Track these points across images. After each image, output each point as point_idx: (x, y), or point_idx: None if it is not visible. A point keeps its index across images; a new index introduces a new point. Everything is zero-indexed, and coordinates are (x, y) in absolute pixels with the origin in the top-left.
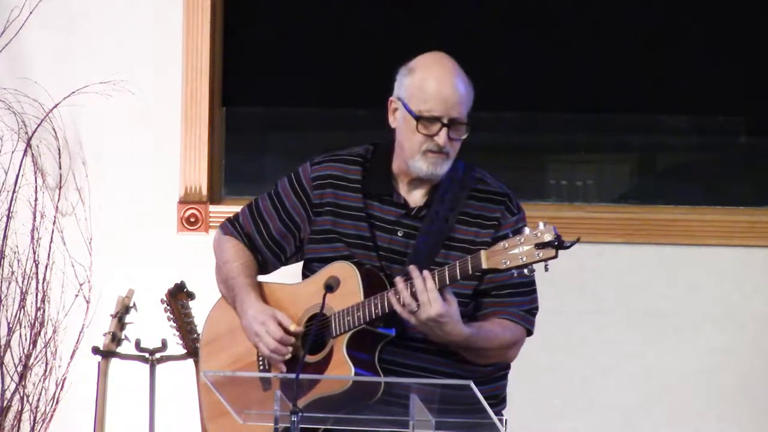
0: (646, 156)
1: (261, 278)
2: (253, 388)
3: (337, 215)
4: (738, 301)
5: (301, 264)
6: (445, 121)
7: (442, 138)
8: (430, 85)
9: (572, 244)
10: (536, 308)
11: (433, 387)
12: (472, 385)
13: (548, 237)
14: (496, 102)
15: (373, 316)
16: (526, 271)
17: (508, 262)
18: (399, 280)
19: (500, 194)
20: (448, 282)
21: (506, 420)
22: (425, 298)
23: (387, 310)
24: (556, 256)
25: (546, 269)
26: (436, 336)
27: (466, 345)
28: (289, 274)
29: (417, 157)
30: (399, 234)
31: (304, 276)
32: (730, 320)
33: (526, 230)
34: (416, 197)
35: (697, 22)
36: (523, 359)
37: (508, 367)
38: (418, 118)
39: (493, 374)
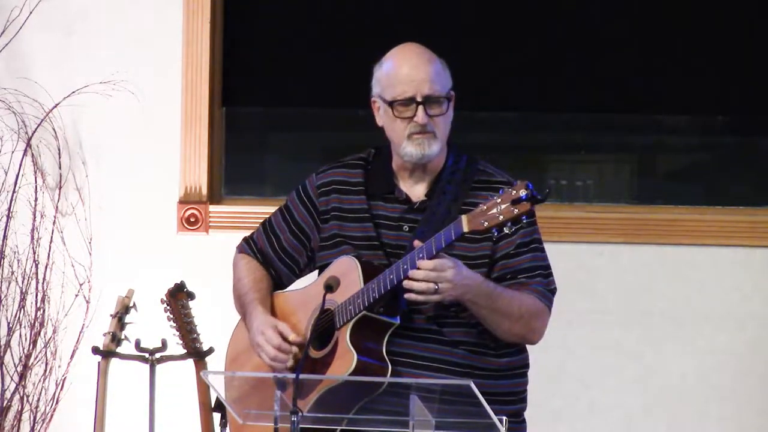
0: (646, 156)
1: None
2: (270, 392)
3: (343, 219)
4: (738, 301)
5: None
6: (418, 99)
7: (420, 116)
8: (397, 71)
9: (546, 195)
10: (555, 289)
11: (432, 386)
12: (472, 384)
13: (523, 192)
14: (496, 102)
15: (371, 300)
16: (506, 229)
17: (486, 223)
18: (407, 282)
19: (504, 182)
20: (434, 254)
21: (506, 420)
22: (432, 274)
23: (383, 292)
24: (531, 210)
25: (522, 220)
26: (466, 289)
27: (488, 291)
28: (304, 282)
29: (404, 144)
30: (404, 229)
31: None
32: (730, 320)
33: (504, 189)
34: (418, 191)
35: (697, 23)
36: None
37: (526, 365)
38: (392, 104)
39: (511, 369)
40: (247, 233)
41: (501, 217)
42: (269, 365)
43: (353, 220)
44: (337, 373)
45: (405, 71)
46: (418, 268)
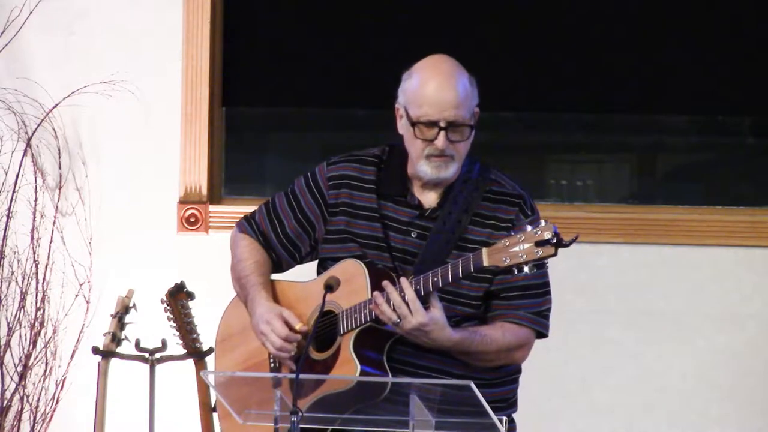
0: (646, 156)
1: (274, 276)
2: (264, 386)
3: (351, 215)
4: (738, 301)
5: (315, 262)
6: (442, 124)
7: (440, 142)
8: (424, 90)
9: (571, 242)
10: (548, 310)
11: (434, 387)
12: (472, 385)
13: (548, 235)
14: (496, 102)
15: None
16: (526, 269)
17: (508, 260)
18: (377, 295)
19: (515, 196)
20: (441, 284)
21: (505, 420)
22: (405, 310)
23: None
24: (555, 254)
25: (545, 264)
26: (424, 343)
27: (459, 349)
28: (305, 271)
29: (421, 162)
30: (413, 235)
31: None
32: (729, 320)
33: (528, 228)
34: (430, 198)
35: (697, 22)
36: None
37: (518, 371)
38: (415, 124)
39: (505, 377)
40: None
41: (524, 256)
42: (273, 354)
43: (362, 218)
44: (338, 381)
45: (431, 92)
46: (403, 291)
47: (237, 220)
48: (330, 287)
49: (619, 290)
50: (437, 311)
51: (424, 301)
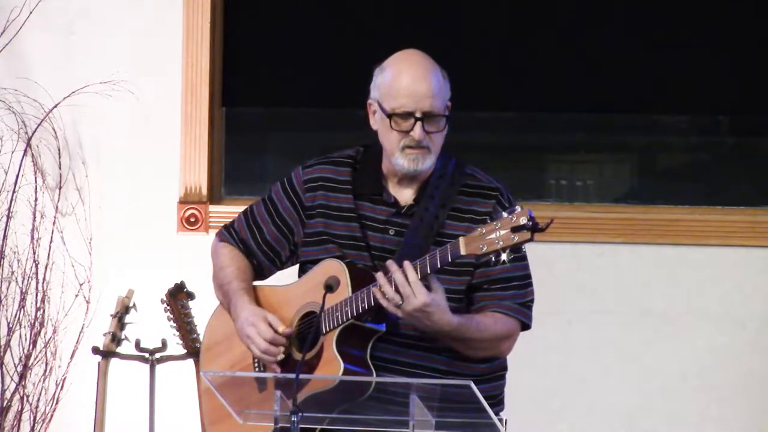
0: (646, 156)
1: (255, 282)
2: (250, 389)
3: (329, 217)
4: (738, 301)
5: (297, 267)
6: (417, 115)
7: (417, 132)
8: (398, 82)
9: (547, 226)
10: (531, 301)
11: (432, 386)
12: (472, 385)
13: (523, 220)
14: (496, 102)
15: (360, 311)
16: (503, 256)
17: (485, 248)
18: (380, 275)
19: (491, 188)
20: (429, 271)
21: (505, 420)
22: (408, 290)
23: (373, 304)
24: (531, 239)
25: (522, 249)
26: (425, 326)
27: (457, 335)
28: (286, 275)
29: (397, 155)
30: (390, 233)
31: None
32: (730, 320)
33: (504, 215)
34: (406, 196)
35: (697, 22)
36: (521, 359)
37: (505, 368)
38: (391, 116)
39: (490, 373)
40: None
41: (500, 243)
42: (258, 357)
43: (339, 219)
44: (321, 380)
45: (406, 84)
46: (405, 273)
47: None
48: (330, 287)
49: (619, 290)
50: (439, 293)
51: None
